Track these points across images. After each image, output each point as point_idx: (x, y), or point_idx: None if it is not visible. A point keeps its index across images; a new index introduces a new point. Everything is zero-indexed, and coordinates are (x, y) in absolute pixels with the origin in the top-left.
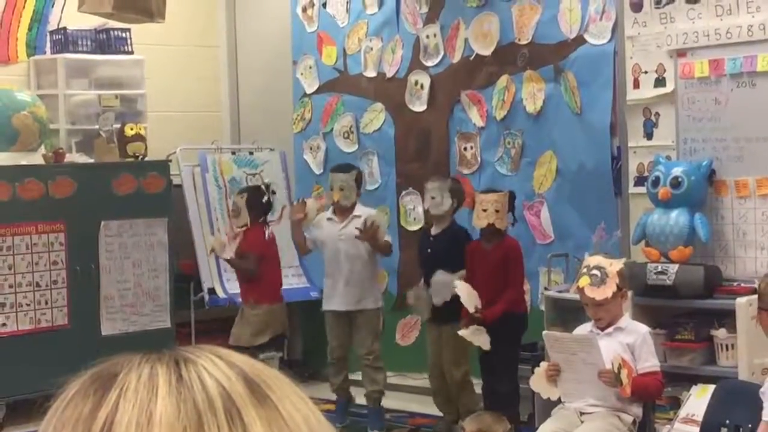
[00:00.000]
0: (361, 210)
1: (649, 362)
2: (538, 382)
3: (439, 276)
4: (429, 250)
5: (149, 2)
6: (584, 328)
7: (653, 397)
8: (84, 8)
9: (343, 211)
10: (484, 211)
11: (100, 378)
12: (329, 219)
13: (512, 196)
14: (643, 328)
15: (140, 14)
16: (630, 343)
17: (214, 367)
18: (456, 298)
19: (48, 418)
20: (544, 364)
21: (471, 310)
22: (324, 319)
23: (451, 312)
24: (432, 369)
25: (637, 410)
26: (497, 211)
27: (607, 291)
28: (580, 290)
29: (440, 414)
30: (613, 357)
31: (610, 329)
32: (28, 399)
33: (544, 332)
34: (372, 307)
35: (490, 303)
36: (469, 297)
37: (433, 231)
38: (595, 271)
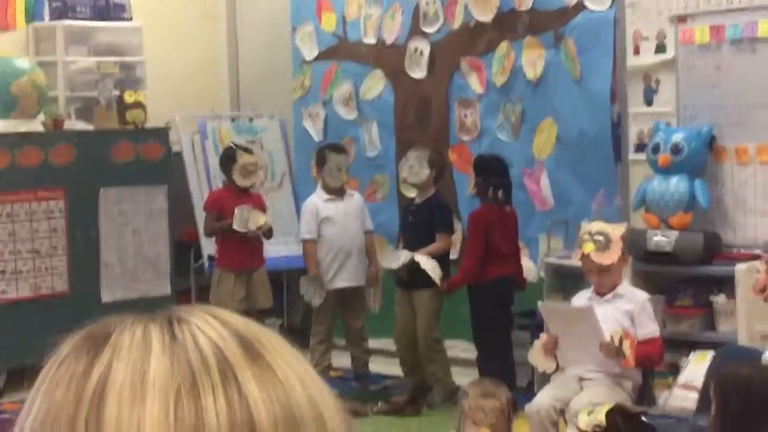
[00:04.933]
0: (351, 189)
1: (649, 328)
2: (535, 355)
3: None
4: (410, 219)
5: None
6: (583, 295)
7: (655, 363)
8: None
9: (339, 191)
10: None
11: (92, 338)
12: (327, 200)
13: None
14: (642, 295)
15: None
16: (629, 310)
17: (208, 326)
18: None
19: (41, 378)
20: (542, 337)
21: (437, 281)
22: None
23: (421, 277)
24: (399, 335)
25: (637, 376)
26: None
27: (613, 256)
28: (585, 256)
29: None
30: (613, 330)
31: (609, 295)
32: (29, 366)
33: (539, 303)
34: (363, 283)
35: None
36: (433, 270)
37: (417, 200)
38: (598, 237)
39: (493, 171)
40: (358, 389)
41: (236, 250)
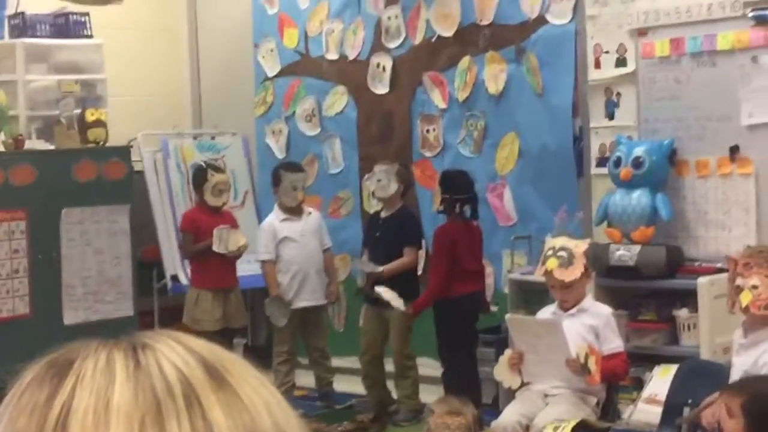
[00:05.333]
0: (308, 207)
1: (614, 343)
2: (501, 370)
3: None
4: (378, 233)
5: None
6: (547, 311)
7: (620, 378)
8: None
9: (296, 210)
10: None
11: (56, 365)
12: (284, 220)
13: (441, 180)
14: (606, 310)
15: None
16: (594, 325)
17: (172, 353)
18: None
19: (3, 406)
20: (508, 352)
21: (402, 309)
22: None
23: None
24: (365, 350)
25: (601, 392)
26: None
27: (576, 272)
28: (548, 272)
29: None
30: (578, 347)
31: (573, 310)
32: None
33: (507, 316)
34: (325, 301)
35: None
36: (392, 298)
37: (383, 214)
38: (561, 253)
39: (459, 186)
40: (322, 408)
41: (213, 269)
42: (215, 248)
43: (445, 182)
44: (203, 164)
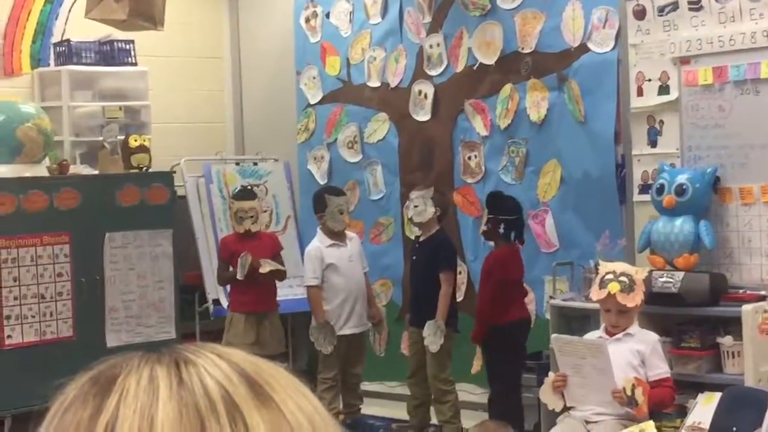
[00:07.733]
0: (349, 232)
1: (661, 369)
2: (546, 392)
3: (428, 327)
4: (414, 257)
5: (153, 10)
6: (593, 335)
7: (667, 406)
8: (93, 14)
9: (341, 235)
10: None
11: (99, 382)
12: (330, 245)
13: (488, 200)
14: (653, 336)
15: (147, 21)
16: (641, 350)
17: (215, 368)
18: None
19: (47, 423)
20: (552, 375)
21: (435, 349)
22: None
23: (431, 316)
24: (413, 374)
25: (644, 418)
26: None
27: (637, 298)
28: (611, 296)
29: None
30: (625, 379)
31: (620, 335)
32: (34, 411)
33: (553, 335)
34: (368, 327)
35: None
36: (432, 343)
37: (421, 238)
38: (623, 278)
39: (506, 208)
40: None
41: (247, 293)
42: (238, 276)
43: (492, 202)
44: (232, 192)
